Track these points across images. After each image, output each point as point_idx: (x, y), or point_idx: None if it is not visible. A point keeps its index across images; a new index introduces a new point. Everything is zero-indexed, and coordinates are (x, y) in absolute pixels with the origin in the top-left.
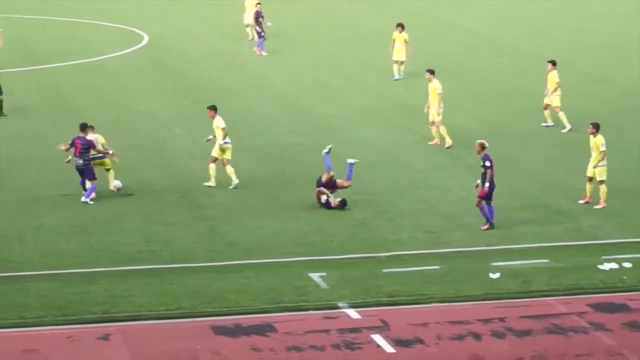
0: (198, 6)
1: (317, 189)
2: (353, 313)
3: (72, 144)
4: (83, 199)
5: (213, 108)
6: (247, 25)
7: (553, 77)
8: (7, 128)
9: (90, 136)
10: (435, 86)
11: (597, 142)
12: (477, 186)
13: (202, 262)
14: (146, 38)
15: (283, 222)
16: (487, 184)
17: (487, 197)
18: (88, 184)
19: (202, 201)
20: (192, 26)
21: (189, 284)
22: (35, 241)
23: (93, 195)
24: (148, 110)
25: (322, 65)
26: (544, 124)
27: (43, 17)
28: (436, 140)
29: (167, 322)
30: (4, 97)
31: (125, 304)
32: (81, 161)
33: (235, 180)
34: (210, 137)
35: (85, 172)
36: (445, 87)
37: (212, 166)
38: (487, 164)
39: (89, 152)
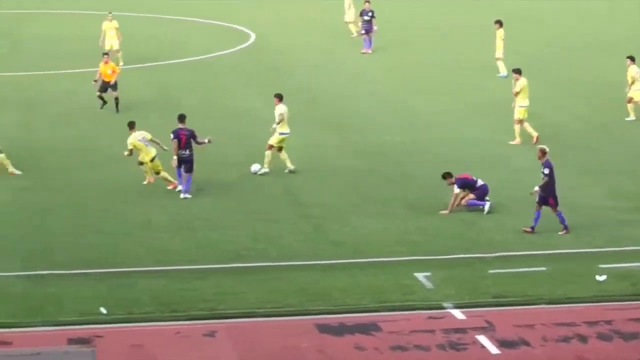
0: (303, 5)
1: (459, 186)
2: (458, 313)
3: (176, 136)
4: (182, 195)
5: (277, 96)
6: (347, 23)
7: (630, 71)
8: (116, 125)
9: (137, 133)
10: (522, 84)
11: None
12: (531, 194)
13: (308, 260)
14: (252, 37)
15: (386, 220)
16: (537, 189)
17: (552, 203)
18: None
19: (305, 199)
20: (296, 25)
21: (295, 282)
22: (143, 237)
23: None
24: (251, 108)
25: (421, 63)
26: (627, 118)
27: (151, 15)
28: (536, 135)
29: (272, 320)
30: (119, 94)
31: (232, 301)
32: (187, 152)
33: (290, 166)
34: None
35: (190, 163)
36: (534, 85)
37: (268, 153)
38: (546, 171)
39: (191, 142)
